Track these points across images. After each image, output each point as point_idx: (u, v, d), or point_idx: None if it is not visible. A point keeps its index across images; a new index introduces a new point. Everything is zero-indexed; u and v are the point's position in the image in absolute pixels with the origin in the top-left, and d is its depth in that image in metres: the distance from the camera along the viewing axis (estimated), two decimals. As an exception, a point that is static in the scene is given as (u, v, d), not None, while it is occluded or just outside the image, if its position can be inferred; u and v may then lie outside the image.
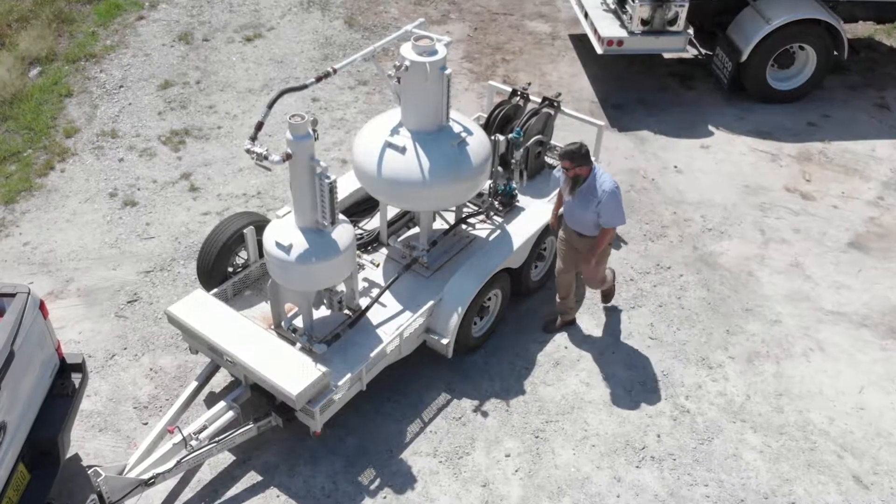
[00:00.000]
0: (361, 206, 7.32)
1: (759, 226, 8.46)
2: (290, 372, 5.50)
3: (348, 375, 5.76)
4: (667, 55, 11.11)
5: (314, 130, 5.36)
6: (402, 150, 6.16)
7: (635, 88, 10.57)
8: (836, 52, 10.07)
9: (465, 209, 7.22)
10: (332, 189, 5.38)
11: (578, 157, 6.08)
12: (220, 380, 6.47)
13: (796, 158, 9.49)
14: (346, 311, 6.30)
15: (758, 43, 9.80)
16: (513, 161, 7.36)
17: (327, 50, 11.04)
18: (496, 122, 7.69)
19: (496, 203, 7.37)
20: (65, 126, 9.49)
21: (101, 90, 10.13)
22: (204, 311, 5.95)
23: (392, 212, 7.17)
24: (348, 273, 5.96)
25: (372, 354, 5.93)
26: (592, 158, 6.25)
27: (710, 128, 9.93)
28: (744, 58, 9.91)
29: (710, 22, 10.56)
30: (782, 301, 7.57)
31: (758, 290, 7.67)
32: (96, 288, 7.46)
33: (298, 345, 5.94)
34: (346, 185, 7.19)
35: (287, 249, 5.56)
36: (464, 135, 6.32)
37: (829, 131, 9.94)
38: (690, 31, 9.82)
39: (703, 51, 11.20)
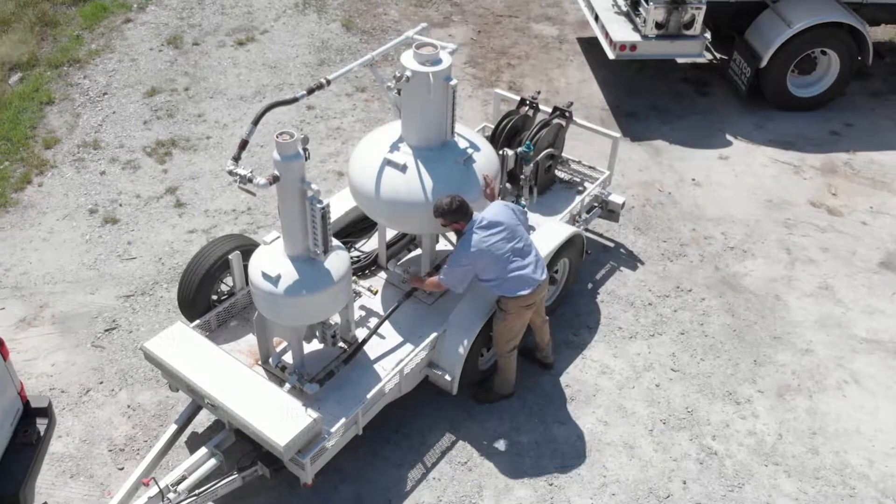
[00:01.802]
0: (358, 226, 6.76)
1: (785, 244, 7.91)
2: (278, 419, 4.94)
3: (342, 420, 5.20)
4: (681, 60, 10.55)
5: (305, 149, 4.80)
6: (403, 169, 5.61)
7: (648, 95, 10.02)
8: (860, 58, 9.53)
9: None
10: (325, 215, 4.83)
11: (450, 214, 5.38)
12: (204, 418, 5.91)
13: (820, 170, 8.94)
14: (341, 345, 5.74)
15: (778, 48, 9.25)
16: (522, 176, 6.81)
17: (323, 54, 10.48)
18: (503, 135, 7.15)
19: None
20: (44, 136, 8.94)
21: (83, 97, 9.57)
22: (183, 347, 5.39)
23: (392, 232, 6.61)
24: (343, 305, 5.41)
25: (369, 395, 5.37)
26: (477, 212, 5.51)
27: (729, 137, 9.38)
28: (763, 63, 9.36)
29: (727, 25, 10.00)
30: (812, 328, 7.02)
31: (786, 316, 7.11)
32: (72, 314, 6.90)
33: (287, 385, 5.38)
34: (342, 202, 6.64)
35: (275, 281, 5.00)
36: (470, 151, 5.77)
37: (853, 141, 9.39)
38: (707, 34, 9.26)
39: (718, 55, 10.66)
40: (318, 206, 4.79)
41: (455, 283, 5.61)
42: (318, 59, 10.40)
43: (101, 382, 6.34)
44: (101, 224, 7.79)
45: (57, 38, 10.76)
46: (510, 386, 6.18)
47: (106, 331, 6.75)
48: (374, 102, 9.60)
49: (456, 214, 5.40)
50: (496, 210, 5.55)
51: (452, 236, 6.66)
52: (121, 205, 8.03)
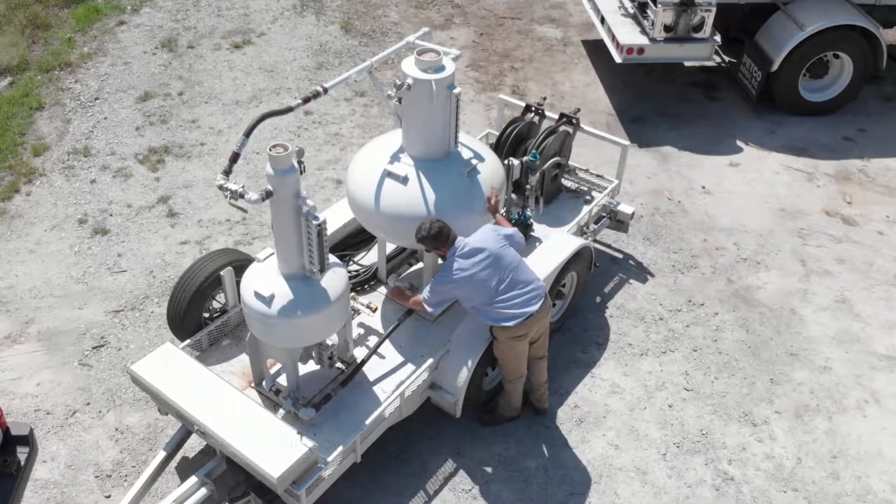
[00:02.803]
0: (357, 238, 6.48)
1: (799, 255, 7.63)
2: (271, 448, 4.66)
3: (340, 448, 4.91)
4: (688, 63, 10.28)
5: (300, 163, 4.53)
6: (404, 181, 5.33)
7: (655, 99, 9.74)
8: (874, 61, 9.26)
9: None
10: (322, 232, 4.55)
11: (429, 240, 5.12)
12: (196, 442, 5.63)
13: (834, 178, 8.66)
14: (339, 366, 5.46)
15: (790, 51, 8.97)
16: (528, 186, 6.53)
17: (322, 57, 10.20)
18: (508, 143, 6.86)
19: (509, 235, 6.53)
20: (33, 143, 8.65)
21: (74, 102, 9.29)
22: (172, 369, 5.11)
23: (392, 245, 6.33)
24: (340, 326, 5.13)
25: (368, 421, 5.08)
26: (462, 237, 5.20)
27: (739, 143, 9.10)
28: (775, 67, 9.08)
29: (737, 27, 9.73)
30: (830, 344, 6.74)
31: (802, 332, 6.83)
32: (59, 331, 6.62)
33: (282, 410, 5.10)
34: (340, 213, 6.37)
35: (268, 301, 4.72)
36: (475, 161, 5.49)
37: (867, 147, 9.12)
38: (717, 37, 8.98)
39: (727, 58, 10.38)
40: (314, 222, 4.51)
41: (434, 306, 5.32)
42: (316, 62, 10.12)
43: (88, 403, 6.06)
44: (90, 235, 7.51)
45: (48, 41, 10.48)
46: (515, 410, 5.90)
47: (94, 348, 6.47)
48: (373, 107, 9.32)
49: (435, 241, 5.12)
50: (481, 236, 5.23)
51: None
52: (111, 215, 7.75)
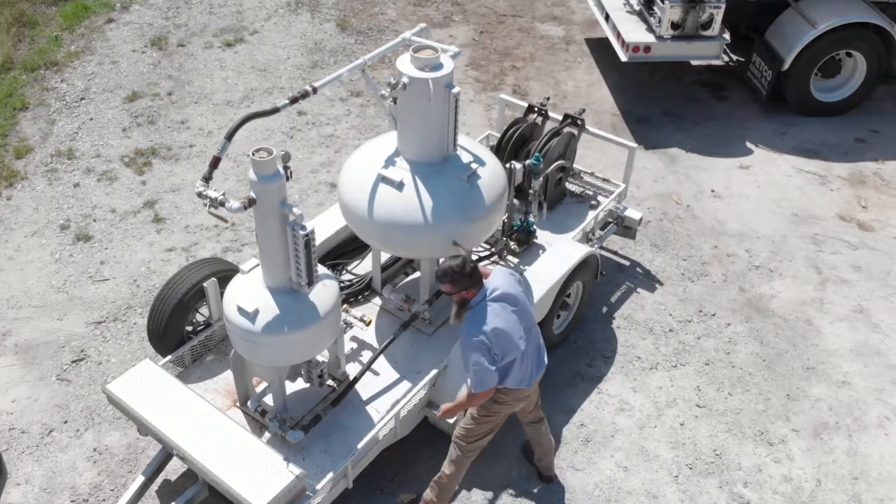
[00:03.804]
0: (350, 246, 6.15)
1: (814, 262, 7.29)
2: (256, 475, 4.32)
3: (330, 475, 4.57)
4: (695, 62, 9.94)
5: (286, 167, 4.19)
6: (399, 186, 5.00)
7: (661, 99, 9.41)
8: (888, 60, 8.93)
9: (474, 251, 6.04)
10: (309, 243, 4.21)
11: (462, 279, 4.32)
12: (178, 464, 5.29)
13: (848, 181, 8.33)
14: (330, 383, 5.12)
15: (802, 49, 8.64)
16: (531, 191, 6.20)
17: (316, 56, 9.87)
18: (510, 145, 6.53)
19: (511, 243, 6.20)
20: (16, 145, 8.31)
21: (60, 103, 8.95)
22: (151, 388, 4.78)
23: (387, 254, 5.99)
24: (331, 342, 4.79)
25: (360, 445, 4.74)
26: (492, 273, 4.55)
27: (749, 145, 8.77)
28: (786, 66, 8.75)
29: (745, 25, 9.40)
30: (848, 357, 6.40)
31: (819, 344, 6.50)
32: (37, 343, 6.28)
33: (268, 433, 4.76)
34: (333, 219, 6.04)
35: (251, 317, 4.39)
36: (475, 165, 5.15)
37: (881, 149, 8.79)
38: (726, 35, 8.65)
39: (735, 57, 10.05)
40: (302, 232, 4.18)
41: (489, 380, 4.40)
42: (310, 61, 9.79)
43: (66, 422, 5.72)
44: (72, 242, 7.17)
45: (35, 39, 10.14)
46: (447, 500, 5.02)
47: (73, 362, 6.13)
48: (369, 108, 8.99)
49: (469, 280, 4.34)
50: (507, 280, 4.51)
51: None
52: (95, 220, 7.41)
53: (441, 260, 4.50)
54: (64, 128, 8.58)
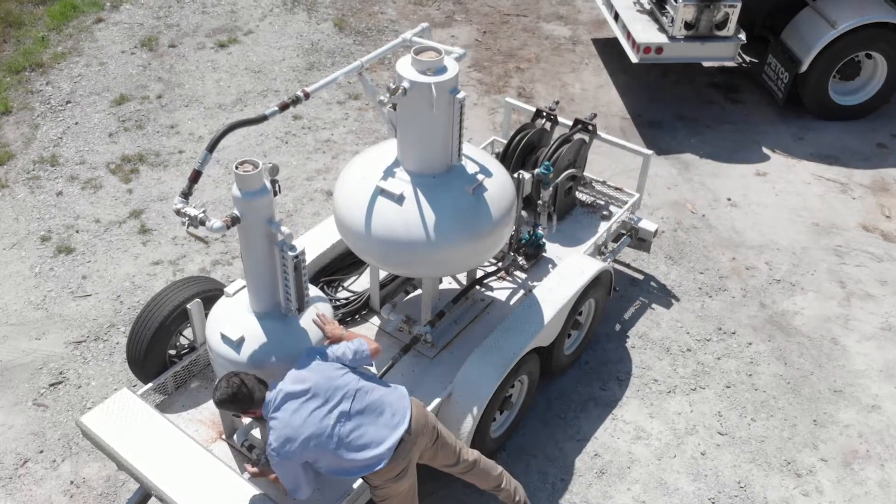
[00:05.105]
0: (347, 260, 5.76)
1: (837, 276, 6.90)
2: (240, 521, 3.93)
3: (323, 518, 4.19)
4: (707, 63, 9.55)
5: (274, 182, 3.80)
6: (399, 200, 4.60)
7: (673, 102, 9.02)
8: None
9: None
10: (299, 265, 3.82)
11: (237, 404, 3.87)
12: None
13: (870, 189, 7.93)
14: (325, 413, 4.72)
15: (821, 51, 8.24)
16: (539, 202, 5.81)
17: (313, 57, 9.47)
18: (517, 152, 6.14)
19: (518, 258, 5.81)
20: (-3, 151, 7.93)
21: (44, 106, 8.56)
22: (128, 422, 4.38)
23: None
24: (324, 371, 4.38)
25: (356, 484, 4.34)
26: (270, 393, 3.91)
27: (765, 150, 8.37)
28: (804, 68, 8.35)
29: (761, 25, 9.00)
30: (878, 378, 6.01)
31: (846, 364, 6.10)
32: (13, 365, 5.89)
33: (254, 469, 4.36)
34: (329, 232, 5.65)
35: (236, 345, 4.00)
36: (481, 177, 4.75)
37: (903, 154, 8.41)
38: (742, 35, 8.25)
39: (748, 58, 9.65)
40: (291, 254, 3.78)
41: (295, 487, 3.99)
42: (307, 62, 9.39)
43: (42, 451, 5.33)
44: (53, 254, 6.78)
45: (20, 39, 9.75)
46: None
47: (51, 385, 5.74)
48: (368, 111, 8.59)
49: (245, 402, 3.85)
50: (295, 375, 3.90)
51: (462, 275, 5.68)
52: (77, 231, 7.01)
53: (216, 382, 3.91)
54: (48, 133, 8.19)
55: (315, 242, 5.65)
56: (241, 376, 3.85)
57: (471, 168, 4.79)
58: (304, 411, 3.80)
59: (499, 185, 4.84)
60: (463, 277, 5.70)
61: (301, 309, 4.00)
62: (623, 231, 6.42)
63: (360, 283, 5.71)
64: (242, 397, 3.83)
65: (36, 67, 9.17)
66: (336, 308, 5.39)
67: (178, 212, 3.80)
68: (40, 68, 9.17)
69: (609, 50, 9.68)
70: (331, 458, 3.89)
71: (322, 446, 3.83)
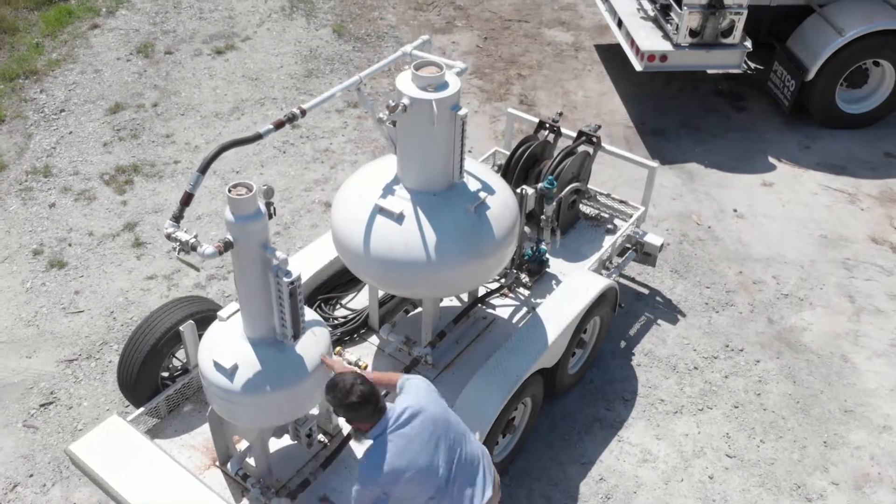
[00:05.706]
0: (345, 277, 5.61)
1: (846, 290, 6.75)
2: (234, 556, 3.79)
3: (320, 553, 4.04)
4: (711, 70, 9.40)
5: (269, 205, 3.65)
6: (399, 218, 4.45)
7: (677, 110, 8.87)
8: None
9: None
10: (295, 291, 3.67)
11: (369, 406, 3.53)
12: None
13: (878, 199, 7.78)
14: (321, 438, 4.58)
15: (827, 58, 8.10)
16: (543, 217, 5.66)
17: (312, 64, 9.33)
18: (520, 165, 5.99)
19: (521, 274, 5.66)
20: (-11, 161, 7.79)
21: (38, 115, 8.41)
22: (118, 449, 4.23)
23: (385, 287, 5.44)
24: (320, 399, 4.24)
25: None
26: (403, 386, 3.75)
27: (771, 160, 8.22)
28: (810, 76, 8.20)
29: (766, 32, 8.85)
30: (889, 397, 5.87)
31: (856, 383, 5.96)
32: (3, 384, 5.75)
33: (247, 502, 4.21)
34: (326, 248, 5.49)
35: (230, 374, 3.85)
36: (483, 194, 4.61)
37: (912, 164, 8.26)
38: (748, 43, 8.11)
39: (753, 65, 9.50)
40: (286, 279, 3.63)
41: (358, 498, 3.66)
42: (305, 69, 9.25)
43: (31, 475, 5.18)
44: (45, 269, 6.63)
45: (15, 46, 9.60)
46: None
47: (41, 406, 5.59)
48: (367, 120, 8.44)
49: (353, 413, 3.53)
50: (420, 394, 3.66)
51: (463, 294, 5.53)
52: (70, 244, 6.87)
53: (340, 382, 3.56)
54: (41, 142, 8.04)
55: (312, 259, 5.50)
56: (366, 382, 3.53)
57: (473, 185, 4.64)
58: (425, 444, 3.55)
59: (501, 203, 4.70)
60: (464, 295, 5.56)
61: (297, 336, 3.85)
62: (628, 245, 6.27)
63: (359, 300, 5.56)
64: (375, 400, 3.53)
65: (30, 75, 9.03)
66: (334, 327, 5.24)
67: (169, 237, 3.65)
68: (34, 76, 9.03)
69: (612, 56, 9.53)
70: (412, 493, 3.60)
71: (422, 489, 3.58)
